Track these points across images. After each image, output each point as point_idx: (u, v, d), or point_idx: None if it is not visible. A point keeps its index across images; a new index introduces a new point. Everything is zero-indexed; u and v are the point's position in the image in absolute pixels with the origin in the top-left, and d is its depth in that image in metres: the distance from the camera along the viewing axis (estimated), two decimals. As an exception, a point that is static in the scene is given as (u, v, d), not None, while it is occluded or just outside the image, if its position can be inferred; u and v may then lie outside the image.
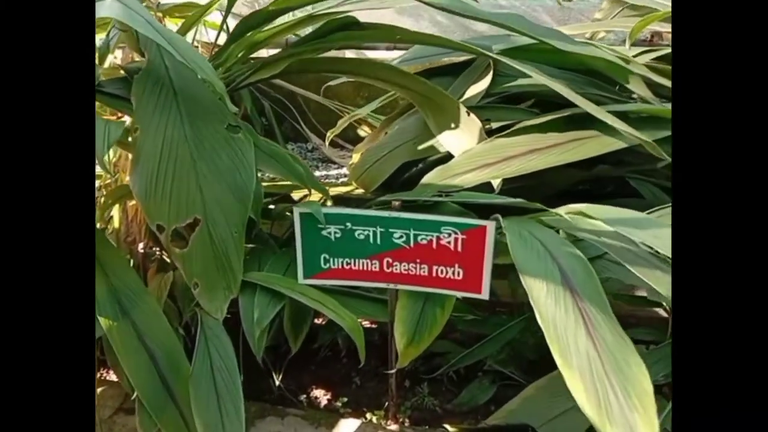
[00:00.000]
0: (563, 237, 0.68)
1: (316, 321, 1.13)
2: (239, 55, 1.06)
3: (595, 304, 0.57)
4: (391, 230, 0.75)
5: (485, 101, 1.05)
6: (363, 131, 1.76)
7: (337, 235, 0.76)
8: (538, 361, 1.03)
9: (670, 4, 1.31)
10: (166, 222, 0.79)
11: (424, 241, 0.74)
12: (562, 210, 0.69)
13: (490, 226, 0.70)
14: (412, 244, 0.75)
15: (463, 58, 1.16)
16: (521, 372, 0.99)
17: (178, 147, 0.82)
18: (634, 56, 1.20)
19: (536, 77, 0.85)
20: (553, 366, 0.84)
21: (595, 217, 0.62)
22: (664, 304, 0.87)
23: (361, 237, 0.76)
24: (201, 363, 0.74)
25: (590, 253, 0.65)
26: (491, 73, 1.05)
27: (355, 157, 1.33)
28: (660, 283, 0.59)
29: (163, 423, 0.77)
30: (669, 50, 1.24)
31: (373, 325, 1.13)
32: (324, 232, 0.77)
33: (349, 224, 0.75)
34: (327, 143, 1.52)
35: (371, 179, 1.15)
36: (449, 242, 0.73)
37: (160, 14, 1.20)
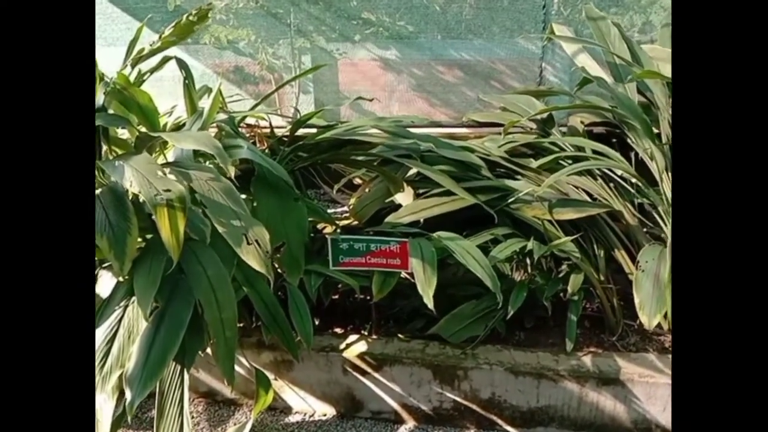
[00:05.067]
0: (433, 244, 1.69)
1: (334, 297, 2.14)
2: (291, 157, 2.08)
3: (428, 263, 1.57)
4: (370, 244, 1.75)
5: (416, 178, 2.07)
6: (356, 181, 2.78)
7: (346, 247, 1.77)
8: (447, 308, 2.04)
9: (533, 110, 2.33)
10: (272, 245, 1.79)
11: (384, 248, 1.75)
12: (435, 235, 1.71)
13: (409, 241, 1.71)
14: (378, 249, 1.75)
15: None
16: (437, 314, 1.99)
17: (275, 210, 1.82)
18: (501, 145, 2.23)
19: (426, 172, 1.87)
20: (448, 311, 1.84)
21: (443, 237, 1.63)
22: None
23: (357, 247, 1.76)
24: (291, 302, 1.74)
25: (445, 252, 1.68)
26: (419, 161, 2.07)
27: (353, 200, 2.34)
28: (466, 257, 1.60)
29: (272, 332, 1.76)
30: (524, 140, 2.27)
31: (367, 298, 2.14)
32: (340, 246, 1.77)
33: (351, 242, 1.76)
34: (334, 191, 2.53)
35: (362, 216, 2.16)
36: (394, 248, 1.74)
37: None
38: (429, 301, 1.49)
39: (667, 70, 2.13)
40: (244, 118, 2.07)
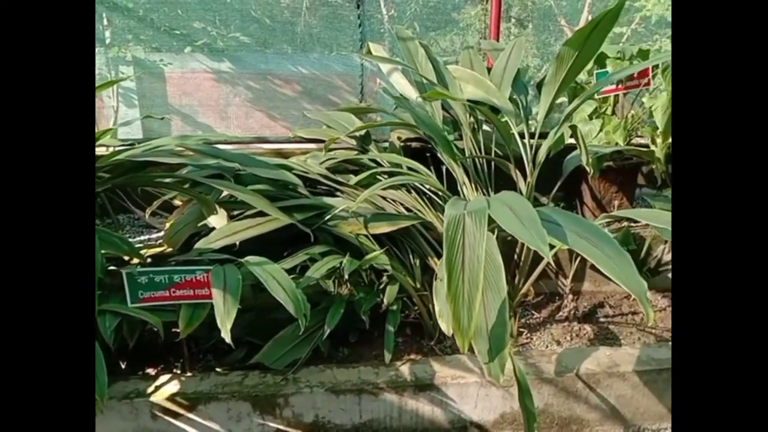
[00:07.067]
0: (242, 270, 1.62)
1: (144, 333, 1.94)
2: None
3: (229, 291, 1.50)
4: (173, 275, 1.61)
5: (231, 199, 1.97)
6: (176, 203, 2.58)
7: (145, 281, 1.61)
8: (272, 333, 1.97)
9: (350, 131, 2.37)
10: (52, 284, 1.55)
11: (189, 278, 1.62)
12: (244, 260, 1.64)
13: (213, 270, 1.61)
14: (184, 280, 1.62)
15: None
16: (261, 340, 1.91)
17: (55, 245, 1.59)
18: (323, 162, 2.23)
19: (236, 193, 1.79)
20: (272, 335, 1.76)
21: (251, 262, 1.57)
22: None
23: (158, 280, 1.61)
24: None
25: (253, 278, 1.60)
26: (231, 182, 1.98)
27: (168, 225, 2.15)
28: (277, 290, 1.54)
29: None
30: (344, 157, 2.29)
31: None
32: (139, 280, 1.60)
33: (151, 275, 1.60)
34: (147, 216, 2.32)
35: (175, 242, 1.99)
36: (201, 277, 1.62)
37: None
38: (226, 335, 1.40)
39: (468, 91, 2.32)
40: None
